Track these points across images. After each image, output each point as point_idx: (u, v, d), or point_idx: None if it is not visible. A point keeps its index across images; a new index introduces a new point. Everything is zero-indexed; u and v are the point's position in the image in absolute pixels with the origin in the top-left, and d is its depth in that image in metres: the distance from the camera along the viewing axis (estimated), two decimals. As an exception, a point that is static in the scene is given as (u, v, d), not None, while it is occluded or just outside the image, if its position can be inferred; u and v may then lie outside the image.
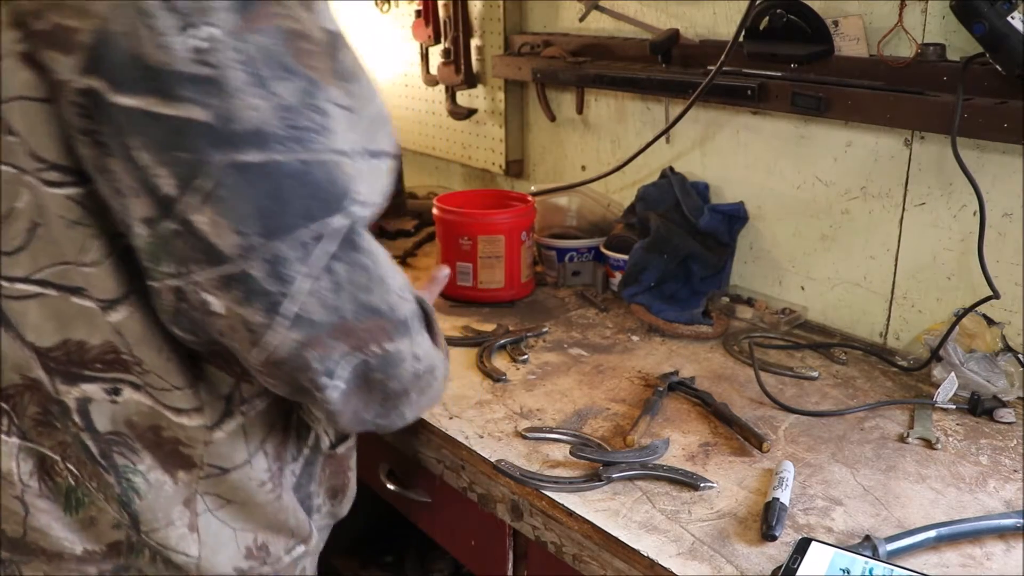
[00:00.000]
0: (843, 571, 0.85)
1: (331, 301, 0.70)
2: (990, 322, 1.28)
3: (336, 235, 0.69)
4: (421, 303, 0.85)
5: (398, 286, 0.76)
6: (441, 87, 2.15)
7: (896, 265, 1.42)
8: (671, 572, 0.89)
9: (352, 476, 1.01)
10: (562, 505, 1.01)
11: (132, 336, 0.75)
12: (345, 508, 1.02)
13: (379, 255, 0.74)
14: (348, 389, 0.75)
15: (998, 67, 1.17)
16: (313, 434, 0.93)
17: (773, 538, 0.93)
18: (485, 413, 1.22)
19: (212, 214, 0.65)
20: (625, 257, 1.58)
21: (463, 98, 2.13)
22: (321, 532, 0.99)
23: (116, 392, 0.77)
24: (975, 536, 0.94)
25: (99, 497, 0.81)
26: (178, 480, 0.81)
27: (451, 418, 1.21)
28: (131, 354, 0.75)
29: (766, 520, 0.95)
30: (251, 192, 0.65)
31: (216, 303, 0.68)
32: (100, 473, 0.79)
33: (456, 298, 1.63)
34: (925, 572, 0.87)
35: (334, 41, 0.69)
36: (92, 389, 0.77)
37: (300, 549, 0.92)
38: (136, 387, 0.77)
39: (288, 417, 0.89)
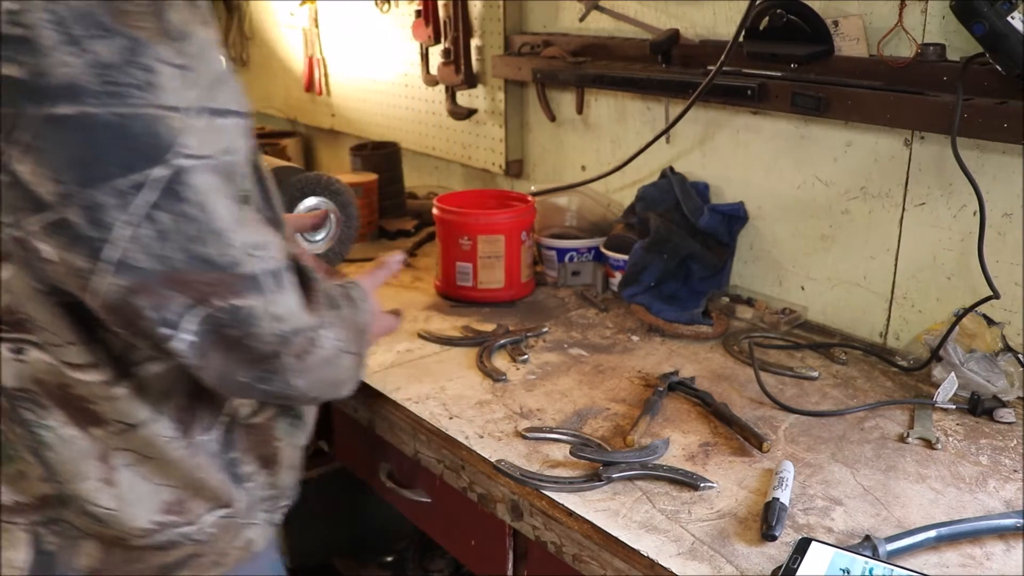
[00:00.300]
0: (843, 571, 0.85)
1: (156, 249, 0.72)
2: (990, 322, 1.28)
3: (156, 185, 0.72)
4: (304, 271, 0.86)
5: (243, 242, 0.77)
6: (441, 87, 2.15)
7: (896, 265, 1.42)
8: (671, 572, 0.89)
9: (284, 447, 1.01)
10: (562, 505, 1.01)
11: (20, 293, 0.78)
12: (285, 479, 1.03)
13: (216, 210, 0.75)
14: (202, 344, 0.77)
15: (998, 67, 1.17)
16: (231, 402, 0.94)
17: (773, 538, 0.93)
18: (485, 413, 1.22)
19: (32, 164, 0.70)
20: (625, 257, 1.58)
21: (463, 98, 2.13)
22: (264, 503, 1.00)
23: (20, 351, 0.81)
24: (975, 536, 0.94)
25: (25, 451, 0.84)
26: (92, 435, 0.85)
27: (451, 418, 1.21)
28: (24, 312, 0.79)
29: (766, 520, 0.95)
30: (66, 143, 0.69)
31: (47, 250, 0.73)
32: (13, 427, 0.84)
33: (456, 298, 1.63)
34: (925, 572, 0.87)
35: (159, 1, 0.72)
36: None
37: (222, 512, 0.94)
38: (39, 346, 0.81)
39: (194, 382, 0.90)
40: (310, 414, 1.06)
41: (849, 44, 1.38)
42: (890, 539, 0.91)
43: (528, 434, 1.15)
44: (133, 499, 0.88)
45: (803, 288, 1.57)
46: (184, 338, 0.76)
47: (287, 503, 1.05)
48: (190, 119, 0.73)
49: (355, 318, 0.95)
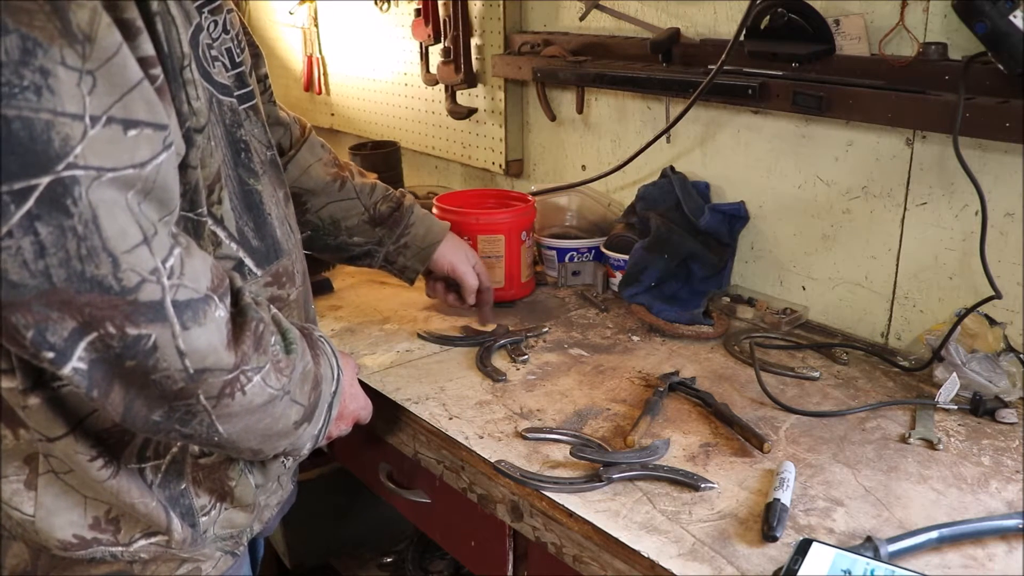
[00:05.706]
0: (844, 572, 0.84)
1: (33, 264, 0.67)
2: (992, 322, 1.27)
3: (40, 195, 0.67)
4: (241, 306, 0.80)
5: (145, 265, 0.71)
6: (441, 86, 2.14)
7: (898, 265, 1.42)
8: (671, 573, 0.89)
9: (237, 487, 0.98)
10: (562, 506, 1.01)
11: None
12: (241, 518, 0.99)
13: (110, 227, 0.69)
14: (95, 374, 0.72)
15: (1000, 66, 1.16)
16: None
17: (774, 539, 0.93)
18: (485, 413, 1.22)
19: None
20: (625, 257, 1.58)
21: (463, 97, 2.13)
22: (220, 541, 0.98)
23: None
24: (977, 537, 0.94)
25: None
26: (19, 437, 0.84)
27: (451, 418, 1.21)
28: None
29: (767, 521, 0.95)
30: None
31: None
32: None
33: (456, 298, 1.63)
34: (927, 573, 0.87)
35: (61, 1, 0.67)
36: None
37: (157, 539, 0.91)
38: None
39: None
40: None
41: (850, 43, 1.38)
42: (892, 540, 0.91)
43: (528, 435, 1.15)
44: (55, 508, 0.86)
45: (804, 288, 1.57)
46: (76, 366, 0.71)
47: (247, 537, 1.03)
48: (90, 127, 0.68)
49: (304, 364, 0.89)
